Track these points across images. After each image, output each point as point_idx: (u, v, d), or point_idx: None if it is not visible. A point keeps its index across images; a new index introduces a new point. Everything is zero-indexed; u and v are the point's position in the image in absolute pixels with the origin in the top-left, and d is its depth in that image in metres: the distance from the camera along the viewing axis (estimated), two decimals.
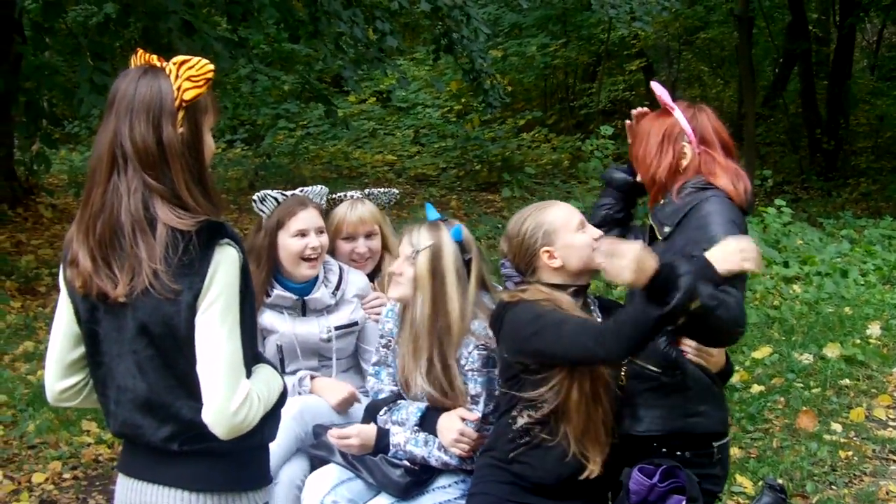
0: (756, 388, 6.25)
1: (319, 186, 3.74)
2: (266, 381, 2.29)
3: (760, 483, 4.67)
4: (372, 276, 3.86)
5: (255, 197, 3.61)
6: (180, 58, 2.24)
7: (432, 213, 3.29)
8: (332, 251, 3.78)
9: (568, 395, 2.80)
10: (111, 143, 2.19)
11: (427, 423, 3.21)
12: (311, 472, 3.35)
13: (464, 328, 3.13)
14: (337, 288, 3.65)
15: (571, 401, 2.81)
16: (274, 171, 14.65)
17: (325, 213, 3.78)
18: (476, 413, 3.13)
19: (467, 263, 3.19)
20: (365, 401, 3.51)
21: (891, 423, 5.92)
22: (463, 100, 18.15)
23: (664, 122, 3.00)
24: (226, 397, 2.15)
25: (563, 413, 2.83)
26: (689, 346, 2.82)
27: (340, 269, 3.71)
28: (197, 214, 2.17)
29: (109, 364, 2.24)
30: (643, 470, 2.74)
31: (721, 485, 3.00)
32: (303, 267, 3.57)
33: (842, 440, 5.56)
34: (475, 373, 3.13)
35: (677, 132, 2.96)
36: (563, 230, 2.95)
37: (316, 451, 3.34)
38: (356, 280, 3.73)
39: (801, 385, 6.37)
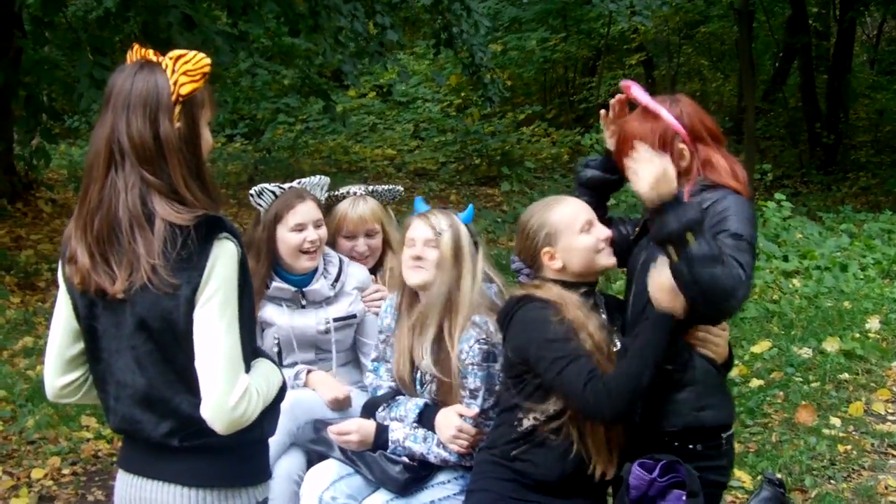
0: (755, 383, 6.26)
1: (319, 177, 3.73)
2: (265, 375, 2.29)
3: (759, 477, 4.67)
4: (374, 271, 3.86)
5: (252, 191, 3.60)
6: (176, 52, 2.23)
7: (422, 205, 3.32)
8: (334, 247, 3.77)
9: None
10: (108, 138, 2.19)
11: (426, 419, 3.21)
12: (308, 466, 3.35)
13: (473, 305, 3.15)
14: (336, 280, 3.65)
15: None
16: (273, 166, 14.65)
17: (327, 209, 3.78)
18: (474, 409, 3.13)
19: (475, 244, 3.26)
20: (362, 397, 3.51)
21: (890, 418, 5.92)
22: (463, 94, 18.14)
23: (654, 127, 2.86)
24: (224, 391, 2.14)
25: (572, 417, 2.82)
26: (696, 338, 2.81)
27: (341, 261, 3.70)
28: (195, 209, 2.17)
29: (108, 360, 2.24)
30: (643, 465, 2.73)
31: (727, 475, 2.99)
32: (302, 259, 3.57)
33: (841, 434, 5.57)
34: (475, 367, 3.13)
35: (671, 135, 2.85)
36: (566, 231, 2.93)
37: (315, 446, 3.34)
38: (357, 273, 3.72)
39: (801, 379, 6.36)
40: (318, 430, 3.36)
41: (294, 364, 3.62)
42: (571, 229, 2.92)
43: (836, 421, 5.74)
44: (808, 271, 9.09)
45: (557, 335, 2.78)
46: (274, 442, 3.19)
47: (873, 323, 7.41)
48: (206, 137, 2.30)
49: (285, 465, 3.32)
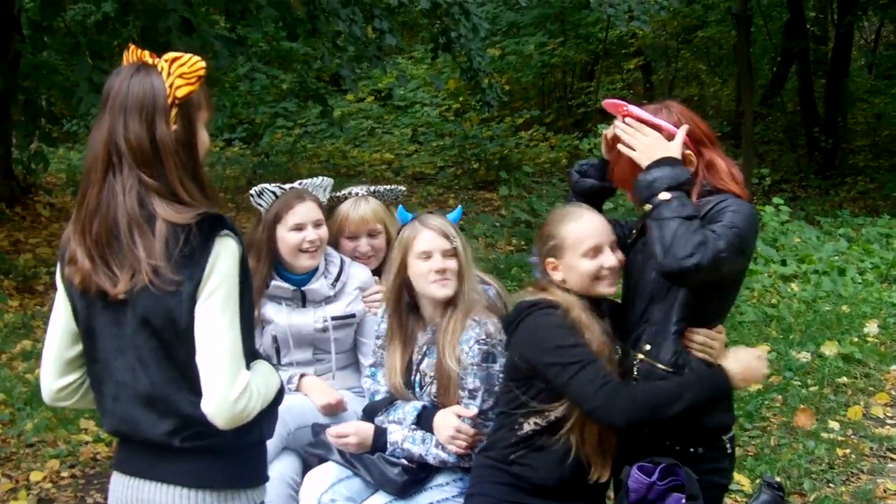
0: (754, 387, 6.24)
1: (321, 178, 3.74)
2: (264, 376, 2.29)
3: (758, 481, 4.68)
4: (378, 272, 3.84)
5: (252, 191, 3.61)
6: (172, 55, 2.24)
7: (406, 214, 3.32)
8: (337, 248, 3.77)
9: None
10: (106, 141, 2.20)
11: (424, 420, 3.21)
12: (303, 470, 3.35)
13: (471, 304, 3.18)
14: (336, 279, 3.65)
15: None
16: (272, 170, 14.63)
17: (330, 210, 3.78)
18: (472, 409, 3.13)
19: None
20: (358, 401, 3.51)
21: (888, 421, 5.92)
22: (461, 98, 18.13)
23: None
24: (226, 386, 2.14)
25: (575, 424, 2.83)
26: (694, 341, 2.81)
27: (342, 261, 3.71)
28: (195, 207, 2.18)
29: (107, 360, 2.24)
30: (642, 468, 2.73)
31: (729, 477, 2.99)
32: (302, 258, 3.58)
33: (839, 438, 5.57)
34: (474, 367, 3.12)
35: None
36: (570, 250, 2.90)
37: (314, 449, 3.34)
38: (359, 273, 3.72)
39: (799, 383, 6.37)
40: (317, 434, 3.36)
41: (291, 364, 3.62)
42: (575, 250, 2.90)
43: (834, 425, 5.74)
44: (806, 275, 9.10)
45: (569, 341, 2.79)
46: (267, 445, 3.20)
47: (871, 327, 7.42)
48: (204, 139, 2.30)
49: (279, 468, 3.31)
